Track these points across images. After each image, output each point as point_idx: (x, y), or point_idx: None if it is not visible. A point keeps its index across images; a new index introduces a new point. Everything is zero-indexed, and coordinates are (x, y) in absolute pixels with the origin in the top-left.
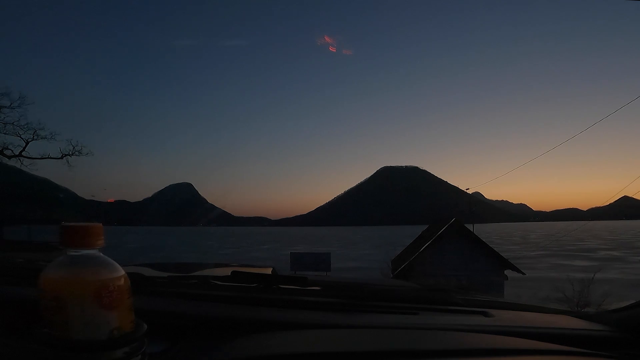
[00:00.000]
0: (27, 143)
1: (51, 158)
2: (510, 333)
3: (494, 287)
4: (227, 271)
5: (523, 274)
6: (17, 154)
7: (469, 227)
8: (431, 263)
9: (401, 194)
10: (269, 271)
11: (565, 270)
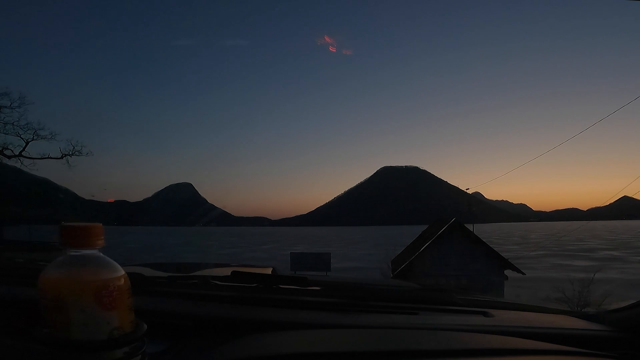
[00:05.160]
0: (27, 143)
1: (51, 158)
2: (510, 333)
3: (494, 287)
4: (227, 271)
5: (523, 274)
6: (17, 154)
7: (469, 227)
8: (431, 263)
9: (401, 194)
10: (269, 271)
11: (565, 270)
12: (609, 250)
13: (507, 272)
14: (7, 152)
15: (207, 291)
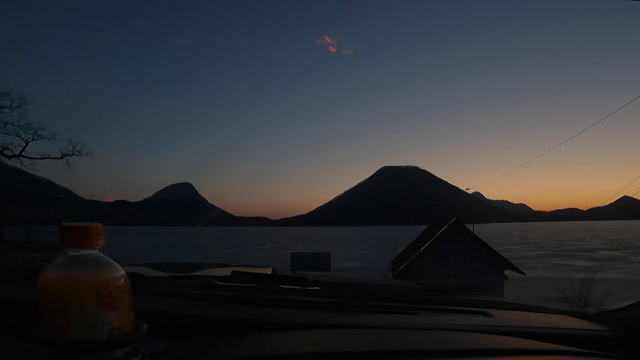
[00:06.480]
0: (27, 143)
1: (51, 158)
2: (510, 333)
3: (494, 287)
4: (227, 271)
5: (523, 274)
6: (17, 154)
7: (469, 227)
8: (431, 263)
9: (401, 194)
10: (269, 271)
11: (565, 270)
12: (609, 250)
13: (507, 272)
14: (7, 152)
15: (207, 291)
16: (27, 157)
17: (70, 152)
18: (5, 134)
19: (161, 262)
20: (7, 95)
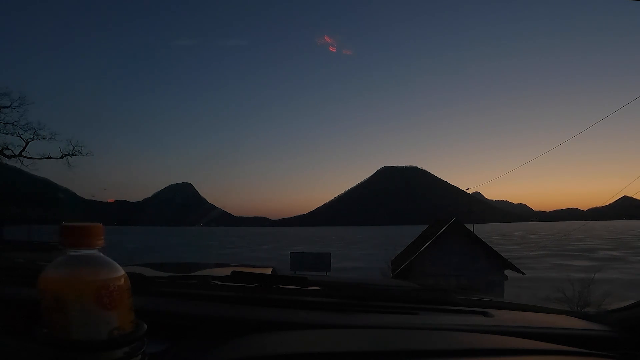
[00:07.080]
0: (27, 143)
1: (51, 158)
2: (510, 333)
3: (494, 287)
4: (227, 271)
5: (523, 274)
6: (17, 154)
7: (469, 227)
8: (431, 263)
9: (401, 194)
10: (269, 271)
11: (565, 270)
12: (609, 250)
13: (507, 272)
14: (7, 152)
15: (207, 291)
16: (27, 157)
17: (70, 152)
18: (5, 134)
19: (161, 262)
20: (7, 95)
